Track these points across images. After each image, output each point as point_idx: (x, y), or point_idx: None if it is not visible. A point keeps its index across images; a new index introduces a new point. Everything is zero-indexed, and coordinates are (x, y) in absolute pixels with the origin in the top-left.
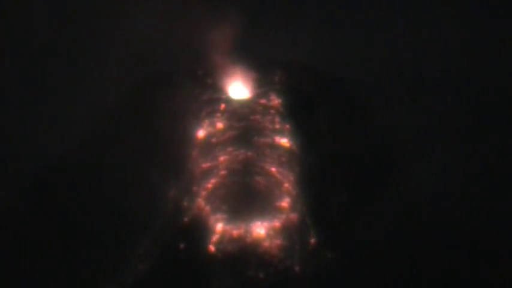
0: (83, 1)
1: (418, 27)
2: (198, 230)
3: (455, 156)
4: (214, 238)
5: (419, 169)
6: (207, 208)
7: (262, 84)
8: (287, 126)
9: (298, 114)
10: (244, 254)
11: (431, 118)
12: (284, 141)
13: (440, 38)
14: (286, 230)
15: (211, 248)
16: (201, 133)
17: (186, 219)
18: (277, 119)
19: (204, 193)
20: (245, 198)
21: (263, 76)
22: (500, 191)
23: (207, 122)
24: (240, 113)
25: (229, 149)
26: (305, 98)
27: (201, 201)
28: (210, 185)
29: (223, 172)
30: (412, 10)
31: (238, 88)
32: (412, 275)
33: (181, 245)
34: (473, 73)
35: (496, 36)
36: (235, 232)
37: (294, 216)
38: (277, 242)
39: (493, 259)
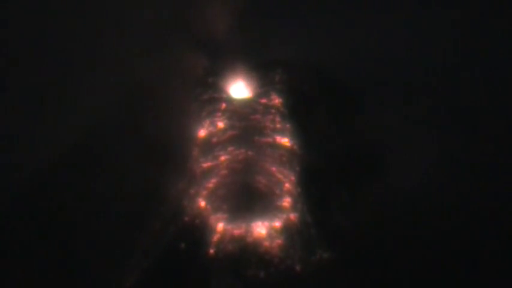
0: (83, 1)
1: (417, 28)
2: (199, 229)
3: (450, 153)
4: (215, 238)
5: (420, 168)
6: (208, 208)
7: (263, 84)
8: (288, 125)
9: (299, 113)
10: (244, 254)
11: (430, 117)
12: (285, 141)
13: (440, 39)
14: (287, 230)
15: (212, 247)
16: (201, 132)
17: (186, 218)
18: (277, 119)
19: (204, 193)
20: (246, 197)
21: (264, 75)
22: (490, 186)
23: (207, 121)
24: (240, 112)
25: (230, 148)
26: (305, 97)
27: (201, 201)
28: (210, 185)
29: (224, 172)
30: (412, 11)
31: (239, 87)
32: (411, 274)
33: (182, 245)
34: (469, 72)
35: (492, 36)
36: (236, 232)
37: (294, 215)
38: (278, 241)
39: (491, 258)
